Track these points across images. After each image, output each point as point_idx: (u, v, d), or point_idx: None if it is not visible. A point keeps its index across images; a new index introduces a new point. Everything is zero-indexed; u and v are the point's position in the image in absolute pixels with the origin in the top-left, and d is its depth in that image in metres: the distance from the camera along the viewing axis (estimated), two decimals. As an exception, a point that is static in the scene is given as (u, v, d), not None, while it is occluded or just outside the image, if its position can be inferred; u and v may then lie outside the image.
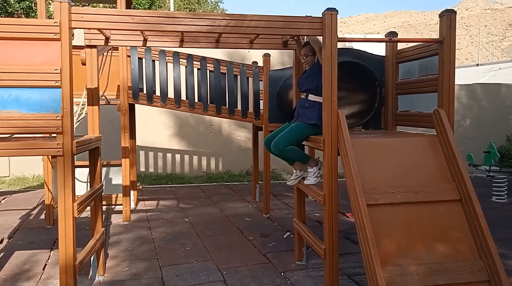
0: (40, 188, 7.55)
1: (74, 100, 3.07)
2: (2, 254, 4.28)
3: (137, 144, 7.07)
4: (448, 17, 3.34)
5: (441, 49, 3.38)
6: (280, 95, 5.68)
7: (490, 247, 2.79)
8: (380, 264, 2.65)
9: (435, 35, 3.49)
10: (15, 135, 3.26)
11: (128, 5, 5.79)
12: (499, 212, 6.08)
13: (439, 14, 3.43)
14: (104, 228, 3.77)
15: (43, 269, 3.88)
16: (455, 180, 3.11)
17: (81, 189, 5.70)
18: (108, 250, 4.36)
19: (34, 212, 6.01)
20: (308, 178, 3.72)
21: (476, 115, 10.09)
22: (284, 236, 4.85)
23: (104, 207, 5.55)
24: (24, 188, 7.84)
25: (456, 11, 3.43)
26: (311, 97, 3.65)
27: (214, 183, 8.49)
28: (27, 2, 16.13)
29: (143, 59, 5.74)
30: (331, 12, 3.20)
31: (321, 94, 3.44)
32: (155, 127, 8.88)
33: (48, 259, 4.13)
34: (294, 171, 3.84)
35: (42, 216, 5.63)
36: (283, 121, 4.43)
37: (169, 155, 9.01)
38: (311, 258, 4.05)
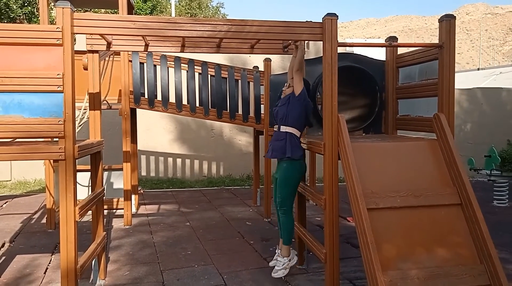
0: (42, 192, 7.56)
1: (76, 104, 3.09)
2: (3, 258, 4.29)
3: (138, 148, 7.09)
4: (447, 22, 3.36)
5: (440, 53, 3.39)
6: (281, 100, 5.69)
7: (490, 251, 2.79)
8: (381, 268, 2.65)
9: (436, 40, 3.50)
10: (17, 140, 3.28)
11: (130, 11, 5.82)
12: (500, 216, 6.07)
13: (439, 19, 3.45)
14: (105, 232, 3.78)
15: (44, 273, 3.89)
16: (455, 184, 3.11)
17: (83, 193, 5.71)
18: (109, 254, 4.36)
19: (36, 216, 6.02)
20: (276, 268, 3.69)
21: (477, 119, 10.09)
22: (285, 240, 4.85)
23: (105, 211, 5.56)
24: (25, 192, 7.85)
25: (455, 16, 3.45)
26: (283, 128, 3.67)
27: (215, 187, 8.50)
28: (29, 8, 16.22)
29: (145, 64, 5.77)
30: (331, 17, 3.22)
31: (290, 124, 3.59)
32: (156, 132, 8.91)
33: (50, 263, 4.14)
34: (277, 252, 3.84)
35: (44, 220, 5.65)
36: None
37: (170, 160, 9.02)
38: (312, 262, 4.05)
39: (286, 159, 3.64)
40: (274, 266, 3.76)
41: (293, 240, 4.29)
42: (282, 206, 3.72)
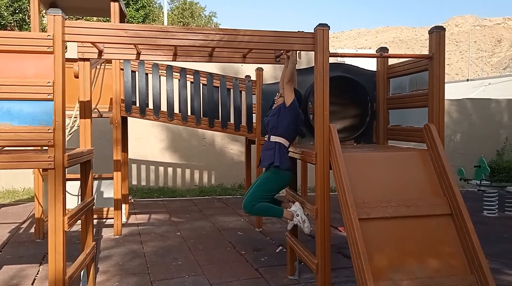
0: (30, 201, 7.46)
1: (66, 112, 3.07)
2: (-11, 268, 4.21)
3: (129, 157, 7.04)
4: (437, 34, 3.40)
5: (430, 64, 3.43)
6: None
7: (481, 261, 2.79)
8: (372, 278, 2.64)
9: (426, 51, 3.55)
10: (5, 148, 3.24)
11: (122, 19, 5.82)
12: (490, 226, 6.11)
13: (429, 31, 3.49)
14: (94, 242, 3.73)
15: (32, 284, 3.82)
16: (445, 195, 3.13)
17: (72, 202, 5.64)
18: (99, 265, 4.30)
19: (24, 225, 5.93)
20: (304, 228, 3.64)
21: (467, 129, 10.20)
22: (277, 251, 4.83)
23: (95, 221, 5.49)
24: (14, 201, 7.74)
25: (445, 28, 3.49)
26: (273, 138, 3.69)
27: (207, 197, 8.45)
28: (20, 15, 16.17)
29: (136, 72, 5.75)
30: (323, 27, 3.24)
31: (280, 134, 3.62)
32: (147, 140, 8.86)
33: (37, 274, 4.07)
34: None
35: (32, 230, 5.56)
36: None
37: (161, 168, 8.97)
38: (303, 272, 4.03)
39: (273, 167, 3.64)
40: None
41: (284, 250, 4.26)
42: (250, 203, 3.60)
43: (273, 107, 3.85)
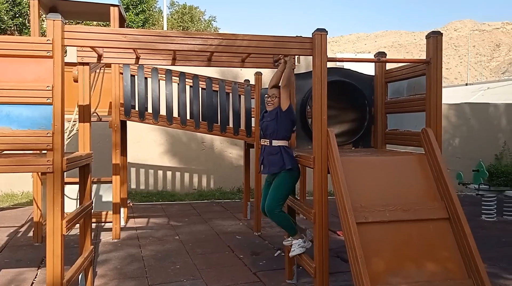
0: (29, 205, 7.45)
1: (65, 116, 3.08)
2: (-12, 272, 4.21)
3: (128, 160, 7.04)
4: (434, 39, 3.43)
5: (428, 69, 3.45)
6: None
7: (478, 266, 2.80)
8: (370, 282, 2.65)
9: (424, 55, 3.57)
10: (4, 152, 3.25)
11: (121, 23, 5.84)
12: (488, 230, 6.11)
13: (426, 36, 3.51)
14: (93, 246, 3.73)
15: (30, 288, 3.82)
16: (443, 199, 3.14)
17: (71, 206, 5.64)
18: (97, 269, 4.30)
19: (22, 229, 5.92)
20: (293, 248, 3.75)
21: (465, 134, 10.22)
22: (275, 255, 4.83)
23: (93, 225, 5.49)
24: (12, 205, 7.74)
25: (442, 33, 3.52)
26: (275, 142, 3.68)
27: (205, 201, 8.45)
28: (20, 19, 16.21)
29: (136, 76, 5.77)
30: (321, 32, 3.27)
31: (283, 137, 3.65)
32: (146, 144, 8.87)
33: (35, 277, 4.06)
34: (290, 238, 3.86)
35: (30, 234, 5.56)
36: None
37: (160, 172, 8.97)
38: (301, 277, 4.03)
39: (286, 171, 3.64)
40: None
41: (282, 254, 4.27)
42: (273, 209, 3.67)
43: (267, 110, 3.83)
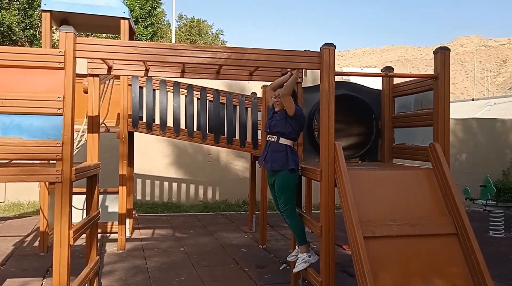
0: (35, 214, 7.47)
1: (75, 127, 3.11)
2: (-7, 281, 4.21)
3: (134, 171, 7.07)
4: (442, 54, 3.44)
5: (435, 84, 3.46)
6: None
7: (487, 282, 2.77)
8: (377, 297, 2.63)
9: (431, 70, 3.59)
10: (13, 161, 3.28)
11: (131, 36, 5.92)
12: (496, 247, 6.04)
13: (434, 51, 3.53)
14: (98, 257, 3.73)
15: (35, 297, 3.81)
16: (451, 214, 3.12)
17: (77, 216, 5.66)
18: (102, 279, 4.29)
19: (28, 238, 5.94)
20: (297, 264, 3.74)
21: (472, 149, 10.17)
22: (280, 268, 4.80)
23: (99, 235, 5.49)
24: (19, 214, 7.76)
25: (449, 49, 3.54)
26: (282, 140, 3.69)
27: (211, 213, 8.43)
28: (31, 31, 16.46)
29: (144, 88, 5.83)
30: (329, 47, 3.30)
31: (291, 138, 3.67)
32: (153, 155, 8.90)
33: (40, 287, 4.07)
34: (297, 249, 3.88)
35: (36, 243, 5.56)
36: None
37: (166, 184, 8.98)
38: (307, 291, 4.00)
39: (289, 170, 3.65)
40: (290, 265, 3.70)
41: (288, 267, 4.24)
42: (285, 210, 3.71)
43: (276, 110, 3.82)
